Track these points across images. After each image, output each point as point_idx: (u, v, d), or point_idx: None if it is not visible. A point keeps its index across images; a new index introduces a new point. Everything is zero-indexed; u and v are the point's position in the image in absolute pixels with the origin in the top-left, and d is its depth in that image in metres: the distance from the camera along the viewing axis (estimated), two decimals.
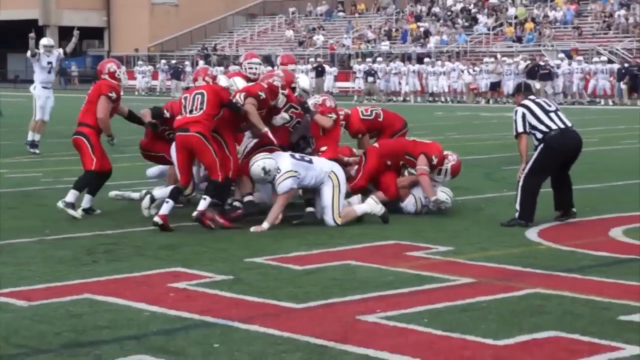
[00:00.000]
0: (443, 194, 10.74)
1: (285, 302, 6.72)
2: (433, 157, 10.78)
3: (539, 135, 10.01)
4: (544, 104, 10.28)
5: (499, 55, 42.05)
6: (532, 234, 9.50)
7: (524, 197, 9.92)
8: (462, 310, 6.50)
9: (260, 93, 10.16)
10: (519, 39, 47.59)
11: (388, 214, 10.16)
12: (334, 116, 10.73)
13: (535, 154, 10.00)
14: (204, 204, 9.66)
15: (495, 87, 40.27)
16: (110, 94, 10.88)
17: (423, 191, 10.68)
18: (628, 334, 5.91)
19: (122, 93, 11.19)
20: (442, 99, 42.29)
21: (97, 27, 67.40)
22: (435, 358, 5.47)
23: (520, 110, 10.16)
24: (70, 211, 10.36)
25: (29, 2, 64.63)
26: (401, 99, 42.86)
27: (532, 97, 10.48)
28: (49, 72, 18.31)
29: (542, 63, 39.00)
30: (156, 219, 9.61)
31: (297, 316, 6.39)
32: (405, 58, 47.12)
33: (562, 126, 10.06)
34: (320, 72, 44.45)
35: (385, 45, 51.19)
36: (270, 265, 7.96)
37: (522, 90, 10.51)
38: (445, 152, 11.00)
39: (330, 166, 10.09)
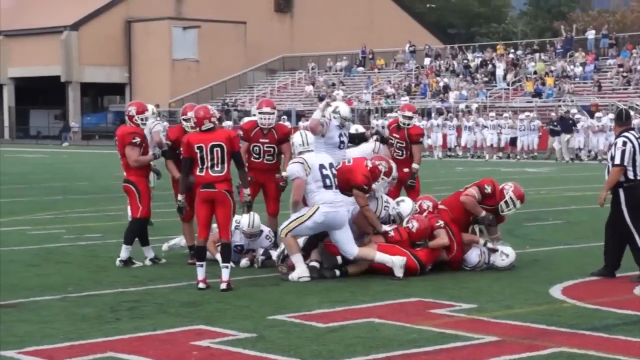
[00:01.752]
0: (506, 248, 10.72)
1: None
2: (485, 187, 10.80)
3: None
4: None
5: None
6: (556, 291, 9.44)
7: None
8: None
9: (365, 187, 10.41)
10: (538, 94, 47.69)
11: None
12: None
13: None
14: (227, 272, 9.61)
15: (514, 142, 40.21)
16: (133, 140, 10.81)
17: (472, 210, 10.57)
18: None
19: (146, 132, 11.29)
20: (460, 153, 42.12)
21: (119, 83, 68.03)
22: None
23: (621, 140, 9.95)
24: (135, 265, 10.80)
25: (51, 58, 65.36)
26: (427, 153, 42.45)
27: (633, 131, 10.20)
28: None
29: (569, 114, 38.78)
30: (223, 286, 9.50)
31: None
32: (425, 113, 47.24)
33: None
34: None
35: (404, 100, 51.40)
36: (293, 323, 7.94)
37: (623, 119, 10.18)
38: (500, 186, 10.96)
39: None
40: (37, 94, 71.38)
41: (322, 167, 10.30)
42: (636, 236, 9.89)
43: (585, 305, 8.73)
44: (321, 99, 55.76)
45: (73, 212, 17.36)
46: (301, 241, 10.46)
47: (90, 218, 16.31)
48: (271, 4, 71.15)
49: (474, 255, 10.75)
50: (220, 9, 66.13)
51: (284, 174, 11.01)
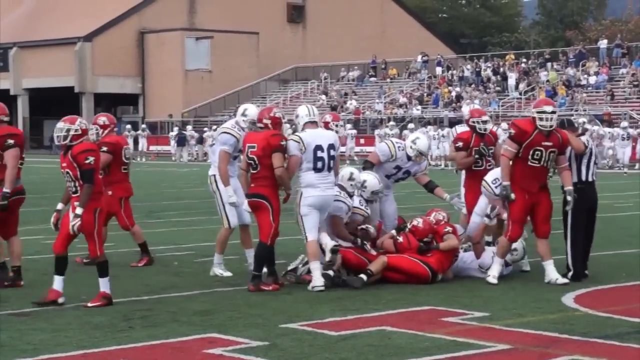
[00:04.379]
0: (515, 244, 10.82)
1: None
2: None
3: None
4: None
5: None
6: (568, 299, 9.44)
7: None
8: None
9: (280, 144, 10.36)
10: None
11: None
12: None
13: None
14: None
15: None
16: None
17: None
18: None
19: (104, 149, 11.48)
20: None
21: (132, 94, 68.26)
22: None
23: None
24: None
25: (65, 69, 65.64)
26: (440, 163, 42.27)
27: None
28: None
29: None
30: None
31: None
32: (437, 122, 47.22)
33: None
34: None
35: (417, 110, 51.42)
36: (305, 331, 7.95)
37: (566, 126, 10.66)
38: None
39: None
40: (51, 104, 71.68)
41: (318, 148, 10.11)
42: (569, 238, 10.57)
43: (597, 314, 8.72)
44: (333, 108, 55.92)
45: None
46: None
47: None
48: (284, 15, 71.30)
49: (487, 257, 10.76)
50: (233, 20, 66.30)
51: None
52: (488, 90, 52.08)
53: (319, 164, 10.10)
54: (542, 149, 10.23)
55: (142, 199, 22.97)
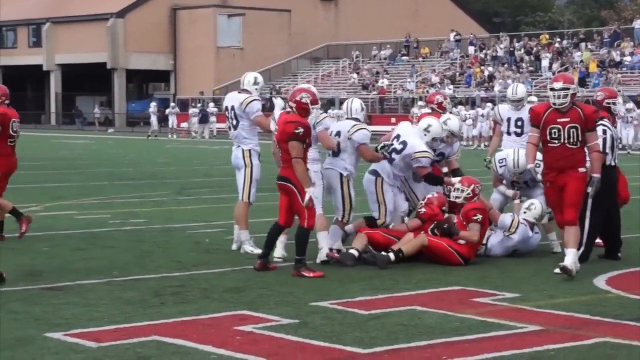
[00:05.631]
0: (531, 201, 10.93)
1: (351, 347, 6.72)
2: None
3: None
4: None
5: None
6: (600, 281, 9.39)
7: None
8: (529, 359, 6.45)
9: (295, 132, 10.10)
10: (583, 84, 47.30)
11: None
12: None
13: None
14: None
15: None
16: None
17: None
18: None
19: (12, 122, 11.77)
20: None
21: (164, 70, 68.44)
22: None
23: (600, 128, 10.23)
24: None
25: (97, 45, 65.91)
26: (471, 143, 42.14)
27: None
28: None
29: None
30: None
31: None
32: (470, 102, 47.03)
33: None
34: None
35: (449, 89, 51.21)
36: (335, 310, 7.97)
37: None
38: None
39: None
40: (84, 80, 72.04)
41: (337, 134, 10.56)
42: (587, 220, 10.04)
43: (629, 296, 8.68)
44: (365, 87, 55.80)
45: (118, 197, 17.54)
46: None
47: (135, 204, 16.46)
48: None
49: (506, 219, 10.86)
50: None
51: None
52: (521, 70, 51.75)
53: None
54: (558, 126, 9.59)
55: (173, 175, 23.08)
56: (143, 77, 73.72)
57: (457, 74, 54.78)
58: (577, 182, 9.66)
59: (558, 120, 9.62)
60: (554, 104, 9.62)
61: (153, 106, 51.83)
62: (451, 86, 52.02)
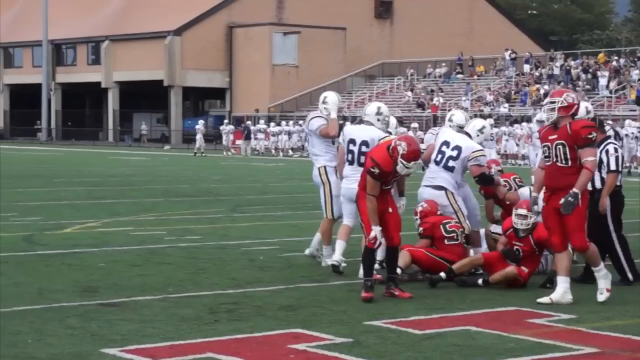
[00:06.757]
0: None
1: None
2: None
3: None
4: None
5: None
6: None
7: None
8: None
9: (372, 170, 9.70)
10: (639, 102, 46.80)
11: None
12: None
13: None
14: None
15: None
16: None
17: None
18: None
19: None
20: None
21: (220, 88, 68.96)
22: None
23: (612, 147, 10.16)
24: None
25: (154, 63, 66.64)
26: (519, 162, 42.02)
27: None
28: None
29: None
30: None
31: None
32: (525, 120, 46.70)
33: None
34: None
35: (504, 108, 50.94)
36: (389, 329, 7.95)
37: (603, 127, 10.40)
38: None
39: None
40: (141, 97, 72.86)
41: (351, 141, 10.71)
42: (617, 246, 10.17)
43: None
44: (420, 105, 55.70)
45: (174, 214, 17.67)
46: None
47: (190, 220, 16.57)
48: (371, 10, 71.34)
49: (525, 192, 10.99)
50: (321, 15, 66.53)
51: None
52: (577, 88, 51.33)
53: (349, 157, 10.75)
54: (548, 143, 9.05)
55: (228, 193, 23.21)
56: (199, 94, 74.36)
57: (513, 92, 54.46)
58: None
59: (549, 137, 9.13)
60: (547, 119, 9.19)
61: (201, 124, 52.19)
62: (506, 104, 51.73)
